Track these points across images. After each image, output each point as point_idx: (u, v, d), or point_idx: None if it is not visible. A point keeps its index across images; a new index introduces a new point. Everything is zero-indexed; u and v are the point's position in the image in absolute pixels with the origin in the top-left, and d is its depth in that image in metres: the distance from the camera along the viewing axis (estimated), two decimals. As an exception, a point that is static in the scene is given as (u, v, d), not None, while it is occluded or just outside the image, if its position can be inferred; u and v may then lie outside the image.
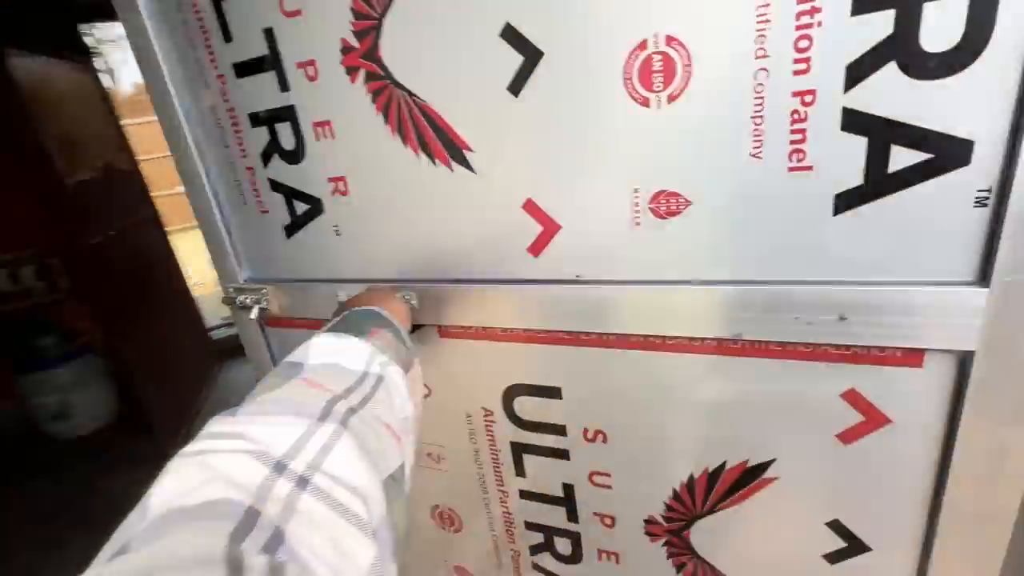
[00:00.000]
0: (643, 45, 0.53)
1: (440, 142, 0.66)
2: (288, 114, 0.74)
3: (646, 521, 0.77)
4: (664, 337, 0.64)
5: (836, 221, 0.51)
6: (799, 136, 0.50)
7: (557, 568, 0.89)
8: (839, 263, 0.53)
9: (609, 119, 0.57)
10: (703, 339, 0.61)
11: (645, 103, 0.55)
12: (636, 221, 0.60)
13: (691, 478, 0.70)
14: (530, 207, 0.65)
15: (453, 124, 0.65)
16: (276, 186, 0.81)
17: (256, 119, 0.77)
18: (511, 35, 0.57)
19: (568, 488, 0.80)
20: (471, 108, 0.63)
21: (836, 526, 0.64)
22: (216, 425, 0.37)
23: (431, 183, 0.69)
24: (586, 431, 0.74)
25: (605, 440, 0.74)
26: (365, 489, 0.35)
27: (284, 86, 0.73)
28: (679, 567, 0.78)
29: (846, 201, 0.51)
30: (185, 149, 0.83)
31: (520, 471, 0.83)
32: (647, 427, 0.70)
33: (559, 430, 0.76)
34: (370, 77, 0.67)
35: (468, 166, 0.66)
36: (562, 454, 0.78)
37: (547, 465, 0.80)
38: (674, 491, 0.72)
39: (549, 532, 0.86)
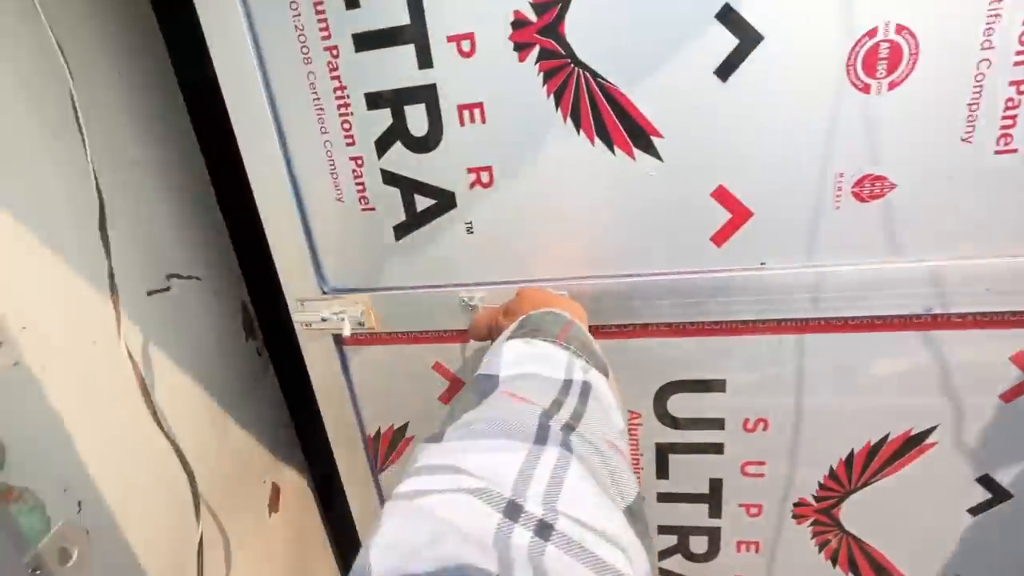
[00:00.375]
0: (872, 32, 0.54)
1: (623, 128, 0.62)
2: (425, 95, 0.65)
3: (795, 504, 0.78)
4: (847, 318, 0.66)
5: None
6: (1009, 122, 0.55)
7: (685, 569, 0.87)
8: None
9: (824, 105, 0.58)
10: (891, 317, 0.64)
11: (865, 90, 0.56)
12: (836, 205, 0.61)
13: (851, 454, 0.73)
14: (720, 194, 0.63)
15: (643, 109, 0.61)
16: (392, 179, 0.70)
17: (376, 100, 0.66)
18: (730, 17, 0.56)
19: (716, 483, 0.79)
20: (667, 92, 0.60)
21: (985, 480, 0.71)
22: (424, 456, 0.32)
23: (606, 173, 0.64)
24: (747, 421, 0.74)
25: (766, 428, 0.74)
26: (617, 534, 0.28)
27: (426, 62, 0.63)
28: (822, 545, 0.80)
29: (1045, 180, 0.57)
30: (262, 132, 0.69)
31: (663, 473, 0.80)
32: (814, 409, 0.71)
33: (717, 424, 0.75)
34: (545, 55, 0.61)
35: (655, 153, 0.63)
36: (716, 448, 0.77)
37: (695, 462, 0.78)
38: (831, 469, 0.75)
39: (684, 533, 0.84)
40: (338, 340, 0.82)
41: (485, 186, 0.68)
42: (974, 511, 0.73)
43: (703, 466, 0.78)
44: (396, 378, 0.83)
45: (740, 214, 0.64)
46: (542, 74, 0.62)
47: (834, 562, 0.81)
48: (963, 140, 0.56)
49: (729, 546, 0.83)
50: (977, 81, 0.54)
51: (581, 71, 0.61)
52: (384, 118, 0.67)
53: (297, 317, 0.78)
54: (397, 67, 0.64)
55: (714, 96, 0.59)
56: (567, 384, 0.39)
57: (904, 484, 0.73)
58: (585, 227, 0.68)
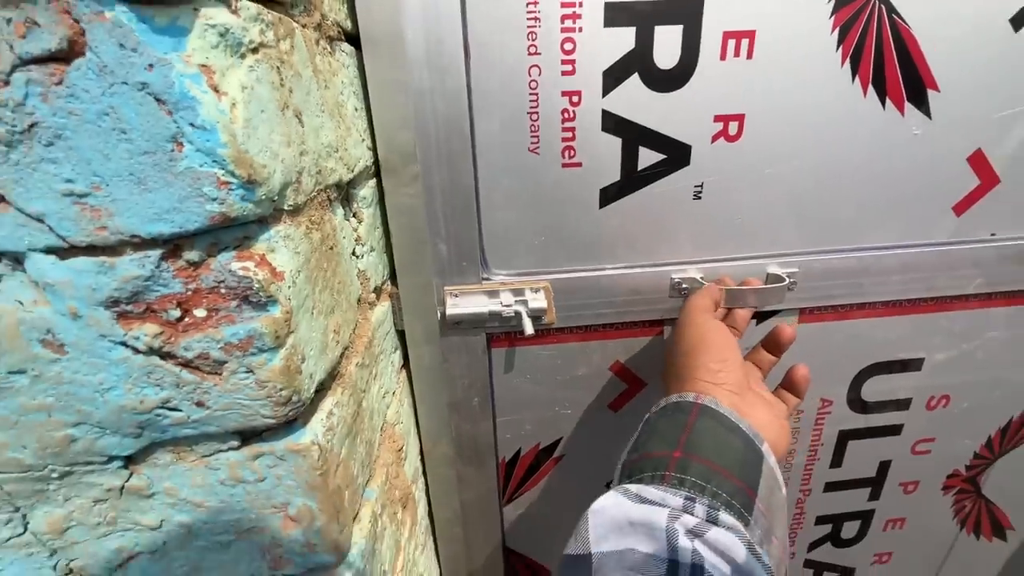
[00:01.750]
0: None
1: (902, 78, 0.54)
2: (687, 12, 0.50)
3: (948, 476, 0.79)
4: (1048, 290, 0.66)
5: None
6: None
7: (832, 557, 0.84)
8: None
9: (1096, 68, 0.56)
10: (1089, 287, 0.66)
11: None
12: (1074, 175, 0.60)
13: (1008, 423, 0.75)
14: (976, 160, 0.59)
15: (928, 55, 0.54)
16: (616, 124, 0.53)
17: (619, 13, 0.49)
18: (1041, -42, 0.51)
19: (884, 465, 0.76)
20: (958, 38, 0.53)
21: (1106, 434, 0.78)
22: None
23: (871, 129, 0.56)
24: (931, 399, 0.72)
25: (947, 404, 0.73)
26: None
27: (698, -31, 0.48)
28: (958, 511, 0.82)
29: None
30: (431, 52, 0.48)
31: (837, 461, 0.75)
32: (989, 381, 0.72)
33: (903, 405, 0.72)
34: (842, -21, 0.50)
35: (925, 109, 0.56)
36: (894, 430, 0.74)
37: (870, 447, 0.75)
38: (988, 438, 0.76)
39: (840, 520, 0.81)
40: (489, 340, 0.62)
41: (731, 139, 0.55)
42: (1087, 463, 0.79)
43: (877, 449, 0.75)
44: (555, 385, 0.66)
45: (988, 181, 0.60)
46: (831, 3, 0.51)
47: (962, 525, 0.84)
48: None
49: (878, 526, 0.82)
50: None
51: (879, 3, 0.51)
52: (624, 40, 0.50)
53: (447, 311, 0.57)
54: (659, -29, 0.48)
55: (1002, 47, 0.54)
56: (670, 568, 0.27)
57: (1042, 445, 0.77)
58: (830, 192, 0.58)
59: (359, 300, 0.45)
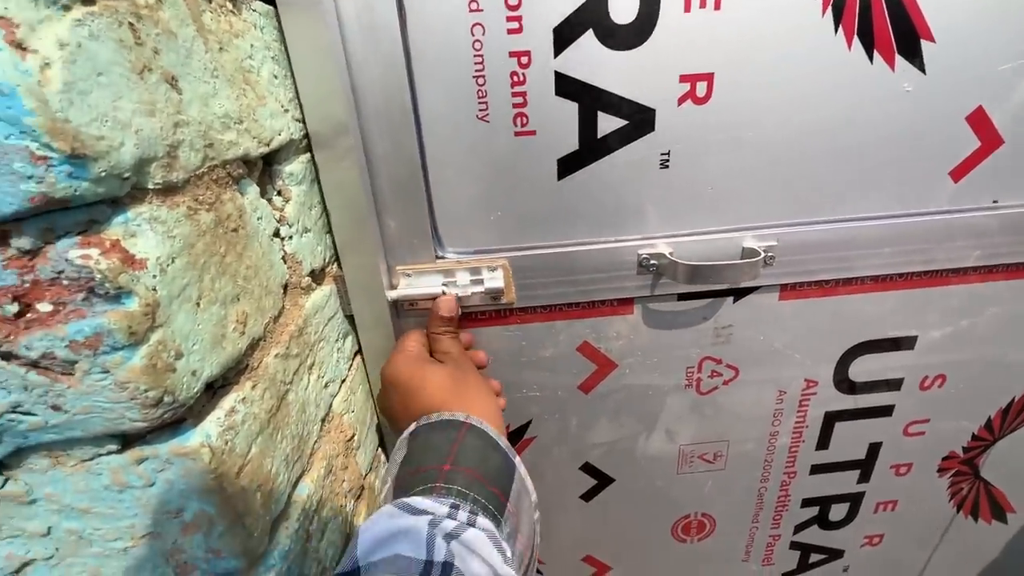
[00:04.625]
0: None
1: (892, 29, 0.48)
2: (645, -41, 0.45)
3: (944, 458, 0.75)
4: (1055, 261, 0.61)
5: None
6: None
7: (819, 539, 0.81)
8: None
9: (1116, 9, 0.49)
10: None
11: None
12: (1087, 133, 0.54)
13: (1010, 403, 0.71)
14: (977, 118, 0.53)
15: (923, 2, 0.48)
16: (570, 87, 0.49)
17: (566, -37, 0.44)
18: None
19: (874, 448, 0.73)
20: (957, -20, 0.47)
21: (1115, 412, 0.73)
22: None
23: (856, 86, 0.50)
24: (924, 379, 0.68)
25: (942, 384, 0.68)
26: None
27: (656, -94, 0.43)
28: (954, 494, 0.79)
29: None
30: (360, 12, 0.44)
31: (823, 444, 0.72)
32: (990, 360, 0.67)
33: (895, 385, 0.68)
34: (822, -87, 0.44)
35: (918, 63, 0.50)
36: (885, 411, 0.70)
37: (859, 428, 0.71)
38: (988, 419, 0.72)
39: (827, 503, 0.78)
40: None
41: (699, 101, 0.50)
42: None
43: (866, 431, 0.71)
44: (521, 367, 0.63)
45: (990, 143, 0.54)
46: (811, -59, 0.45)
47: (959, 508, 0.81)
48: None
49: (868, 508, 0.79)
50: None
51: (865, -60, 0.45)
52: (574, -8, 0.45)
53: (398, 294, 0.54)
54: (612, -91, 0.43)
55: (1006, -10, 0.48)
56: (426, 568, 0.29)
57: (1045, 425, 0.73)
58: (811, 157, 0.54)
59: (286, 285, 0.42)
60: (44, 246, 0.23)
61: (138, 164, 0.25)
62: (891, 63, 0.50)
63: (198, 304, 0.29)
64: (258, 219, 0.38)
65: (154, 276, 0.26)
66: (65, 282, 0.23)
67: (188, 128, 0.29)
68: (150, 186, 0.26)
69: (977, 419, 0.72)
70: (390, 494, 0.38)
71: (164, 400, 0.26)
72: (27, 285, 0.23)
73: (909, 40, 0.49)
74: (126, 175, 0.24)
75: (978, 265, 0.60)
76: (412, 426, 0.43)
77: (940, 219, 0.57)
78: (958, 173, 0.55)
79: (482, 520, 0.35)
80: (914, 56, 0.50)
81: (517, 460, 0.43)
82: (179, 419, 0.29)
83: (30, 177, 0.21)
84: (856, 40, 0.49)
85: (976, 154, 0.55)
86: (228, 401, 0.32)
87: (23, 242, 0.23)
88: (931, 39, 0.49)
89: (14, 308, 0.23)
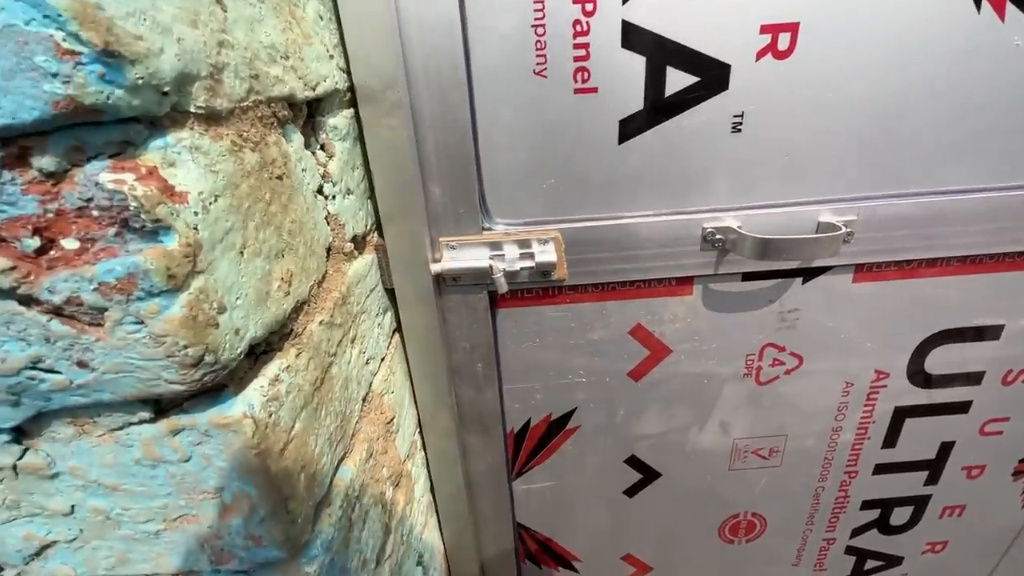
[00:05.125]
0: None
1: (1006, -30, 0.43)
2: None
3: (1021, 460, 0.69)
4: None
5: None
6: None
7: (878, 544, 0.76)
8: None
9: None
10: None
11: None
12: None
13: (1100, 400, 0.65)
14: (1093, 78, 0.47)
15: (1043, -61, 0.42)
16: (638, 38, 0.44)
17: None
18: None
19: (946, 447, 0.67)
20: (1084, -86, 0.41)
21: None
22: None
23: (960, 38, 0.45)
24: (1008, 373, 0.62)
25: (1026, 379, 0.62)
26: None
27: None
28: (1028, 499, 0.73)
29: None
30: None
31: (890, 442, 0.66)
32: (1084, 353, 0.61)
33: (974, 379, 0.62)
34: None
35: (1034, 12, 0.44)
36: (961, 408, 0.64)
37: (932, 425, 0.65)
38: (1074, 419, 0.66)
39: (889, 505, 0.72)
40: (493, 298, 0.55)
41: (780, 56, 0.45)
42: None
43: (939, 429, 0.66)
44: (568, 350, 0.59)
45: (1106, 106, 0.48)
46: None
47: (1032, 515, 0.74)
48: None
49: (933, 513, 0.73)
50: None
51: None
52: (649, -72, 0.41)
53: (442, 267, 0.50)
54: None
55: None
56: None
57: None
58: (903, 122, 0.48)
59: (329, 249, 0.38)
60: (71, 168, 0.19)
61: (179, 79, 0.21)
62: (1001, 13, 0.44)
63: (242, 253, 0.25)
64: (303, 171, 0.34)
65: (196, 213, 0.22)
66: (95, 212, 0.20)
67: (233, 51, 0.26)
68: (192, 109, 0.23)
69: (1062, 418, 0.66)
70: None
71: (205, 360, 0.22)
72: (50, 215, 0.20)
73: (1025, -14, 0.43)
74: (165, 89, 0.21)
75: (1080, 246, 0.54)
76: None
77: (1038, 193, 0.51)
78: (1068, 141, 0.50)
79: None
80: (1030, 5, 0.44)
81: None
82: (220, 384, 0.25)
83: (55, 75, 0.17)
84: (967, -13, 0.43)
85: (1089, 120, 0.49)
86: (272, 368, 0.28)
87: (46, 162, 0.19)
88: (1050, -15, 0.43)
89: (35, 243, 0.20)
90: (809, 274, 0.55)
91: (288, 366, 0.29)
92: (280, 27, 0.31)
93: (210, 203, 0.23)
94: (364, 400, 0.43)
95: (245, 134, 0.27)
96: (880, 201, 0.51)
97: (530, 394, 0.61)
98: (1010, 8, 0.44)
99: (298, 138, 0.34)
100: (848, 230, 0.51)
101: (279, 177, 0.30)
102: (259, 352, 0.29)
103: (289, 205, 0.31)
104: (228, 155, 0.25)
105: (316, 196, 0.36)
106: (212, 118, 0.24)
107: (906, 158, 0.50)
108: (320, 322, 0.34)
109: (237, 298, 0.25)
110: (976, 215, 0.52)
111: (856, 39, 0.45)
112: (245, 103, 0.27)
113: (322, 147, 0.39)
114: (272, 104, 0.30)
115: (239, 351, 0.25)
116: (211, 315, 0.23)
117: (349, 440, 0.39)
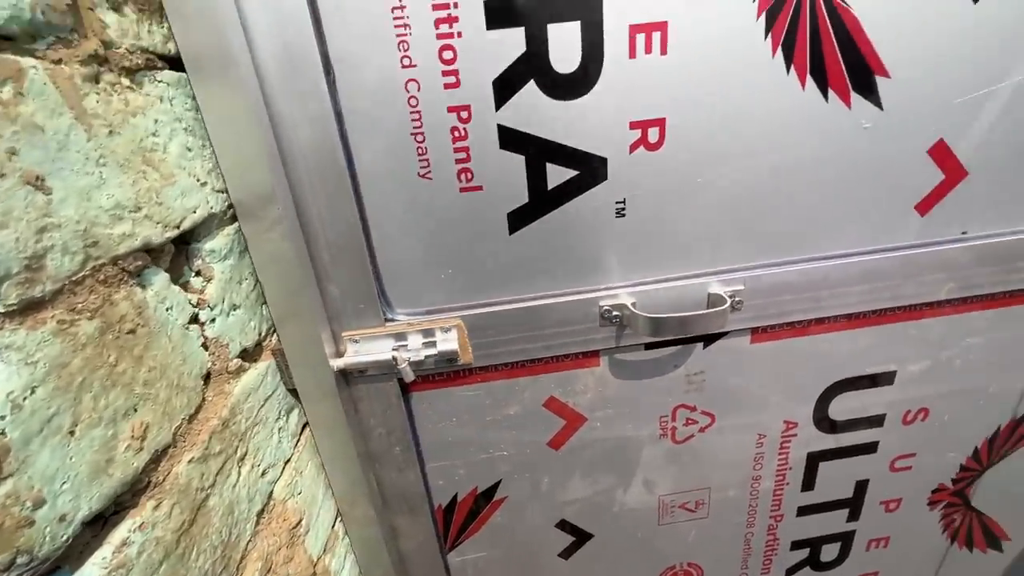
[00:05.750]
0: None
1: (845, 65, 0.47)
2: (583, 6, 0.42)
3: (933, 491, 0.72)
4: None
5: None
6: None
7: (811, 580, 0.78)
8: None
9: (1070, 38, 0.48)
10: (1075, 283, 0.59)
11: (1114, 20, 0.48)
12: (1052, 161, 0.53)
13: (996, 432, 0.69)
14: (939, 151, 0.51)
15: (874, 37, 0.46)
16: (515, 140, 0.46)
17: (503, 13, 0.42)
18: (1000, -86, 0.43)
19: (861, 485, 0.70)
20: (908, 16, 0.46)
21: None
22: None
23: (813, 125, 0.49)
24: (907, 414, 0.65)
25: (925, 418, 0.66)
26: None
27: (590, -46, 0.41)
28: (947, 526, 0.76)
29: None
30: (284, 73, 0.41)
31: (808, 484, 0.69)
32: (972, 389, 0.65)
33: (876, 422, 0.65)
34: (763, -45, 0.42)
35: (875, 99, 0.48)
36: (869, 448, 0.67)
37: (844, 467, 0.68)
38: (975, 450, 0.70)
39: (817, 544, 0.74)
40: (404, 384, 0.56)
41: (652, 147, 0.48)
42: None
43: (852, 469, 0.68)
44: (486, 426, 0.59)
45: (954, 175, 0.53)
46: (755, -17, 0.43)
47: (953, 539, 0.78)
48: None
49: (859, 548, 0.76)
50: None
51: (811, -20, 0.43)
52: (513, 43, 0.43)
53: (344, 362, 0.50)
54: (544, -42, 0.40)
55: (960, 22, 0.46)
56: None
57: (1033, 451, 0.71)
58: (771, 199, 0.51)
59: (207, 375, 0.38)
60: None
61: (-22, 290, 0.22)
62: (847, 101, 0.48)
63: (72, 433, 0.25)
64: (167, 310, 0.34)
65: (2, 417, 0.22)
66: None
67: (60, 231, 0.26)
68: (1, 310, 0.23)
69: (964, 450, 0.69)
70: None
71: (17, 562, 0.22)
72: None
73: (863, 76, 0.47)
74: (-40, 307, 0.21)
75: (951, 298, 0.58)
76: None
77: (909, 254, 0.55)
78: (924, 206, 0.54)
79: None
80: (870, 92, 0.48)
81: None
82: (52, 568, 0.25)
83: None
84: (809, 79, 0.47)
85: (941, 186, 0.53)
86: (120, 532, 0.28)
87: None
88: (886, 74, 0.47)
89: None
90: (709, 339, 0.58)
91: (142, 523, 0.29)
92: (130, 181, 0.32)
93: (24, 399, 0.23)
94: (260, 514, 0.43)
95: (79, 306, 0.27)
96: (763, 270, 0.54)
97: (453, 470, 0.62)
98: (855, 96, 0.48)
99: (161, 278, 0.35)
100: (737, 299, 0.54)
101: (130, 332, 0.30)
102: (107, 516, 0.28)
103: (145, 355, 0.31)
104: (53, 337, 0.25)
105: (187, 328, 0.37)
106: (30, 307, 0.24)
107: (781, 231, 0.53)
108: (190, 460, 0.34)
109: (63, 483, 0.25)
110: (854, 277, 0.55)
111: (718, 130, 0.48)
112: (79, 274, 0.27)
113: (197, 273, 0.39)
114: (119, 261, 0.30)
115: (65, 538, 0.25)
116: (23, 516, 0.23)
117: (236, 566, 0.39)
